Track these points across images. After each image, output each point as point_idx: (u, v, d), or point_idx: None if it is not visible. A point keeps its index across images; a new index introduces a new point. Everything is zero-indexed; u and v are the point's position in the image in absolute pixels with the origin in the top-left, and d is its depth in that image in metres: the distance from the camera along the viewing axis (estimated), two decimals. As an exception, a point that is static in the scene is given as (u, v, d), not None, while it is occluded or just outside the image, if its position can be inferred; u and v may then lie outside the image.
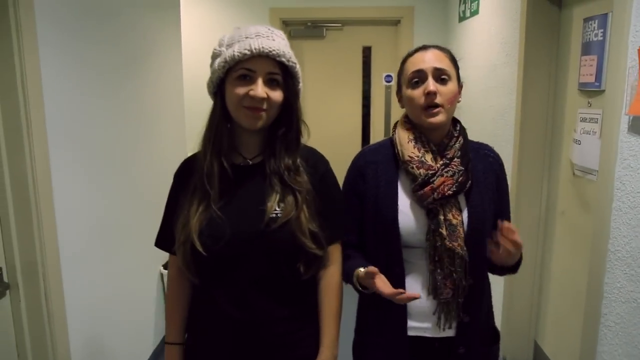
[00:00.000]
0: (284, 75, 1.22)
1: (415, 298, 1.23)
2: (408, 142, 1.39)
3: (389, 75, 4.56)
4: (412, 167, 1.37)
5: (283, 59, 1.20)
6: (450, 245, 1.33)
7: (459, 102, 1.41)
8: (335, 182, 1.39)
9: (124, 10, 2.44)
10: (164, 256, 2.89)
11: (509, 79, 2.79)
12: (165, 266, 2.95)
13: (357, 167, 1.47)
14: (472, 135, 1.50)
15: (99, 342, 2.20)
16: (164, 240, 1.36)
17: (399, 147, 1.41)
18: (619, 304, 1.72)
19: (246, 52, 1.17)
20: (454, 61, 1.41)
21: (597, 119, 2.09)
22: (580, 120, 2.25)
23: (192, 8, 4.22)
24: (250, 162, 1.30)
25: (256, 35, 1.19)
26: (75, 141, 2.05)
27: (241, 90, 1.19)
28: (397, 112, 4.49)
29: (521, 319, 2.79)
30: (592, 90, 2.17)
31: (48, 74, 1.80)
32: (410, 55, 1.43)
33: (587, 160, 2.18)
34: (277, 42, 1.20)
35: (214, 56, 1.26)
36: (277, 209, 1.23)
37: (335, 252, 1.36)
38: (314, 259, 1.27)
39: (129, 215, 2.52)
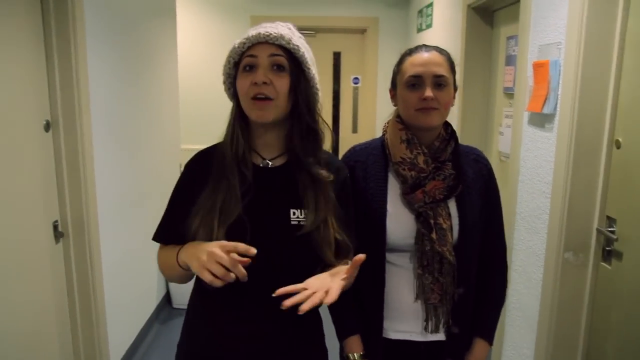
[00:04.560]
0: (289, 60, 1.16)
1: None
2: (400, 143, 1.35)
3: (356, 78, 5.14)
4: (404, 169, 1.33)
5: (282, 42, 1.14)
6: (440, 249, 1.30)
7: (452, 105, 1.37)
8: (351, 193, 1.32)
9: (137, 18, 2.94)
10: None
11: (453, 83, 3.37)
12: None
13: (347, 167, 1.38)
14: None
15: (124, 288, 2.70)
16: (166, 235, 1.27)
17: (390, 148, 1.37)
18: (521, 251, 2.33)
19: (244, 41, 1.15)
20: (452, 65, 1.36)
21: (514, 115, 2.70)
22: (505, 117, 2.87)
23: (183, 15, 4.67)
24: (270, 164, 1.23)
25: (260, 27, 1.17)
26: (110, 122, 2.54)
27: (246, 81, 1.14)
28: (364, 111, 5.11)
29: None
30: (511, 93, 2.78)
31: (92, 72, 2.28)
32: (409, 54, 1.36)
33: (507, 147, 2.79)
34: (277, 29, 1.16)
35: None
36: (301, 216, 1.18)
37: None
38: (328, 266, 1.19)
39: (143, 188, 3.02)
